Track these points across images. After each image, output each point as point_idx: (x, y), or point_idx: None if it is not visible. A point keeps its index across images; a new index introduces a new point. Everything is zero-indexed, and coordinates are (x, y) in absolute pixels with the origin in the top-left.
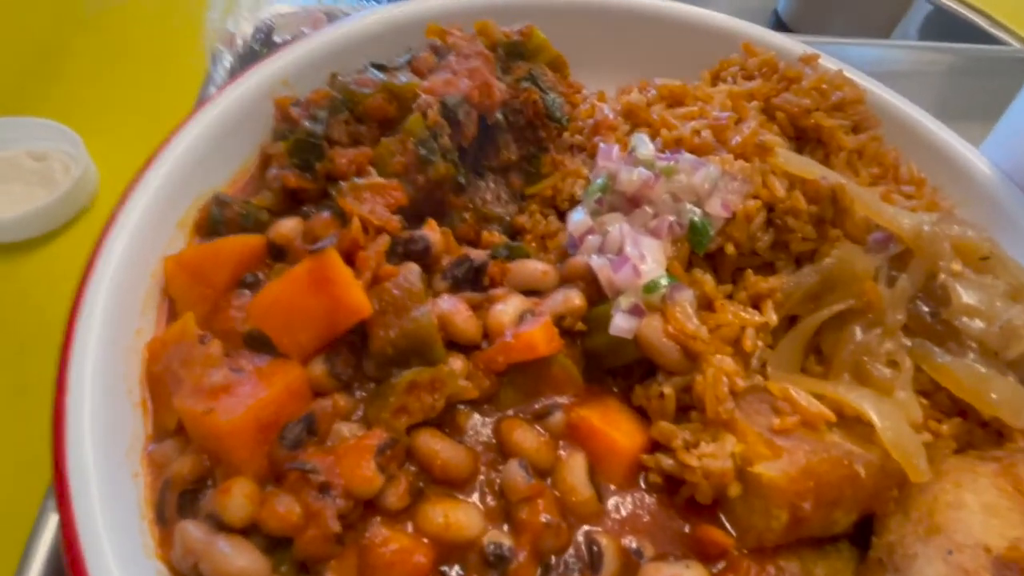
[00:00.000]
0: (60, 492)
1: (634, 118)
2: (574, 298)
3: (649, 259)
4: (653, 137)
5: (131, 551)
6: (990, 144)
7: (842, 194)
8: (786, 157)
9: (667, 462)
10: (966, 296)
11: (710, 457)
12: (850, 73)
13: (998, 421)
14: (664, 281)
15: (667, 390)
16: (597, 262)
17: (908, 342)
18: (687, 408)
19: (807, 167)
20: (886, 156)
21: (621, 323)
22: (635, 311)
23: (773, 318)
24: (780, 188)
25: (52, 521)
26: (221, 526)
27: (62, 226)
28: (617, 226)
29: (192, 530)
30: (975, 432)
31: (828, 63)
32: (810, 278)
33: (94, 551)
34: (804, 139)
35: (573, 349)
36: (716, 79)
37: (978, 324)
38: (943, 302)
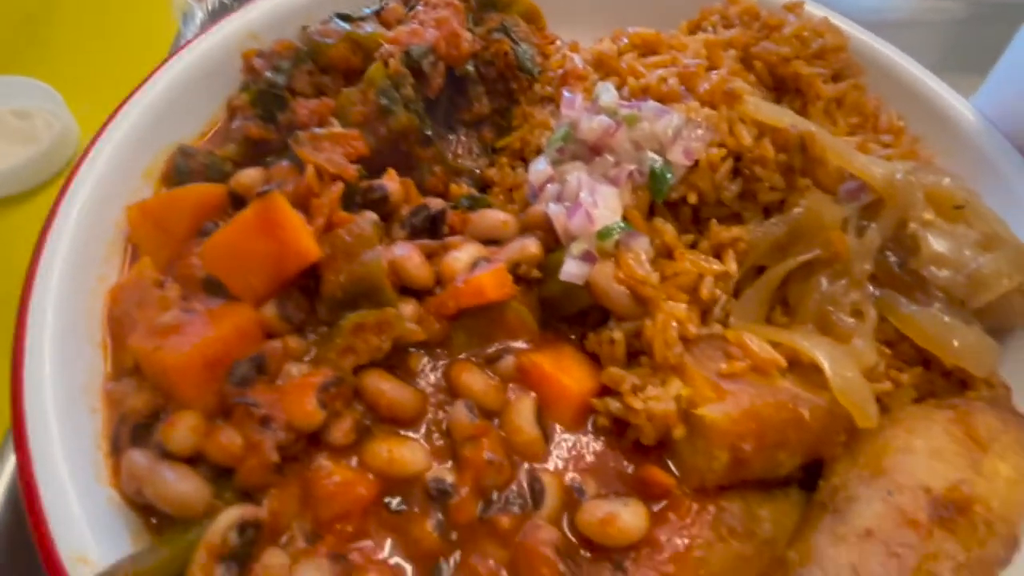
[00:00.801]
0: (16, 424)
1: (604, 67)
2: (530, 246)
3: (602, 206)
4: (620, 86)
5: (86, 478)
6: (981, 95)
7: (811, 142)
8: (755, 104)
9: (614, 405)
10: (936, 245)
11: (654, 400)
12: (837, 21)
13: (961, 371)
14: (618, 227)
15: (616, 335)
16: (553, 209)
17: (876, 292)
18: (640, 354)
19: (776, 115)
20: (866, 105)
21: (572, 269)
22: (587, 257)
23: (733, 267)
24: (747, 136)
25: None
26: (166, 455)
27: (44, 183)
28: (575, 175)
29: (138, 457)
30: (937, 382)
31: (814, 10)
32: (777, 228)
33: (49, 477)
34: (783, 89)
35: (529, 296)
36: (697, 29)
37: (945, 273)
38: (912, 252)
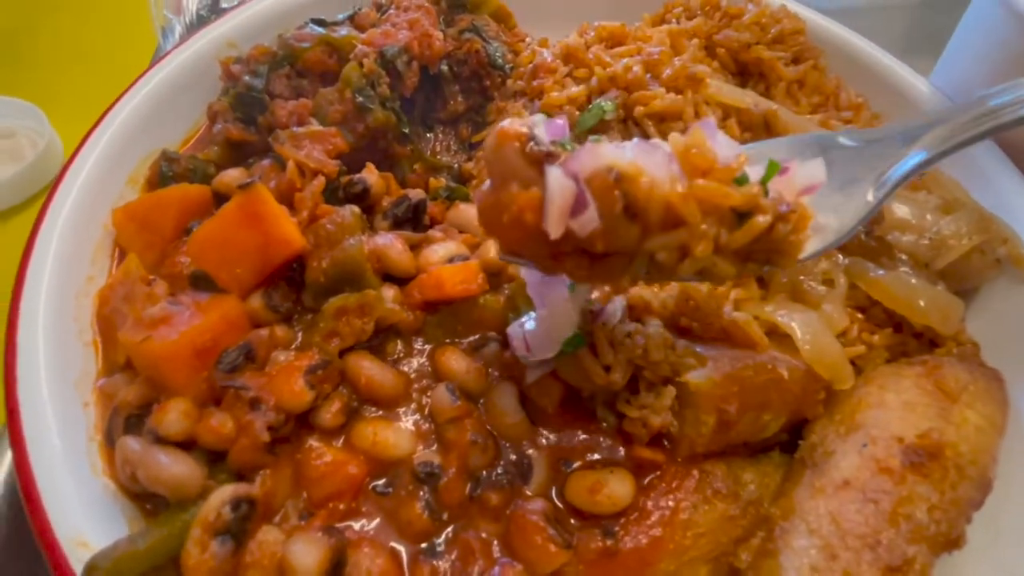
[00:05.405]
0: (11, 418)
1: (572, 60)
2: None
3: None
4: (588, 77)
5: (81, 468)
6: (936, 72)
7: (774, 120)
8: (717, 87)
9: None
10: (899, 211)
11: (650, 410)
12: (795, 7)
13: (931, 331)
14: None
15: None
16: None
17: (844, 260)
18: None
19: (739, 96)
20: (827, 85)
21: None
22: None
23: None
24: (713, 118)
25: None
26: (158, 440)
27: (30, 198)
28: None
29: (131, 443)
30: (909, 343)
31: None
32: None
33: (45, 467)
34: (747, 74)
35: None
36: (661, 22)
37: (909, 237)
38: (877, 219)
